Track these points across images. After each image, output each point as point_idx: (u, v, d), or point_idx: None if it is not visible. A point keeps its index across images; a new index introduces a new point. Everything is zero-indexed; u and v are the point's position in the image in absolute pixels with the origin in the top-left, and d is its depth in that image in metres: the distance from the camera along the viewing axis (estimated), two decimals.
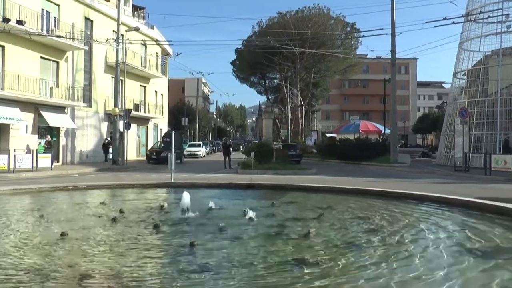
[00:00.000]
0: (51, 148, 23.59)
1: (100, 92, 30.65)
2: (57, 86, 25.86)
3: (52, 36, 24.12)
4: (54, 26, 25.69)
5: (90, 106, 29.52)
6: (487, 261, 4.26)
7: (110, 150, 27.52)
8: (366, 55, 58.24)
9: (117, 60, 27.63)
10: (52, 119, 24.72)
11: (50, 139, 24.29)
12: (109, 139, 28.19)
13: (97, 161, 27.76)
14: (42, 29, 24.40)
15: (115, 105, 27.22)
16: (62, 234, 5.21)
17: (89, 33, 29.22)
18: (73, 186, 10.66)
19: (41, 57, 24.86)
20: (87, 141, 28.97)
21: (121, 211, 7.06)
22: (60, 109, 26.08)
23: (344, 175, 19.04)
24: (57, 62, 26.19)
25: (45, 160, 20.92)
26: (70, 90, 26.62)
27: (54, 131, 25.98)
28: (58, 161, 25.54)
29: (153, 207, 7.72)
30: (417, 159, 35.84)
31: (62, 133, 26.73)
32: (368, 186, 12.21)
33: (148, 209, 7.47)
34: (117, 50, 27.75)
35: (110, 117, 29.66)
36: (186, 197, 6.87)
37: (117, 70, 27.47)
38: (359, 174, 19.77)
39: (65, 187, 10.44)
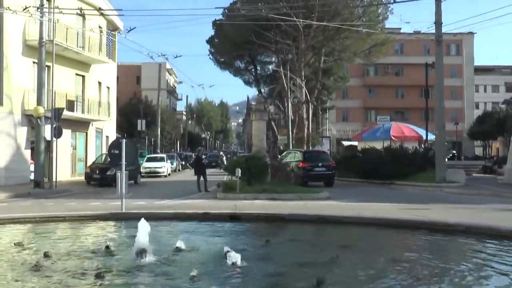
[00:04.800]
0: None
1: (16, 84, 30.49)
2: None
3: None
4: None
5: (0, 104, 29.35)
6: None
7: None
8: (400, 29, 58.96)
9: (41, 37, 27.52)
10: None
11: None
12: None
13: (10, 183, 27.49)
14: None
15: (39, 102, 27.07)
16: None
17: None
18: None
19: None
20: None
21: (46, 255, 7.04)
22: None
23: (369, 200, 19.06)
24: None
25: None
26: None
27: None
28: None
29: (94, 248, 7.72)
30: (475, 176, 36.00)
31: None
32: (405, 215, 12.23)
33: (87, 252, 7.47)
34: (41, 23, 27.67)
35: (31, 120, 29.48)
36: (142, 233, 6.88)
37: (42, 52, 27.36)
38: (391, 199, 19.75)
39: None
